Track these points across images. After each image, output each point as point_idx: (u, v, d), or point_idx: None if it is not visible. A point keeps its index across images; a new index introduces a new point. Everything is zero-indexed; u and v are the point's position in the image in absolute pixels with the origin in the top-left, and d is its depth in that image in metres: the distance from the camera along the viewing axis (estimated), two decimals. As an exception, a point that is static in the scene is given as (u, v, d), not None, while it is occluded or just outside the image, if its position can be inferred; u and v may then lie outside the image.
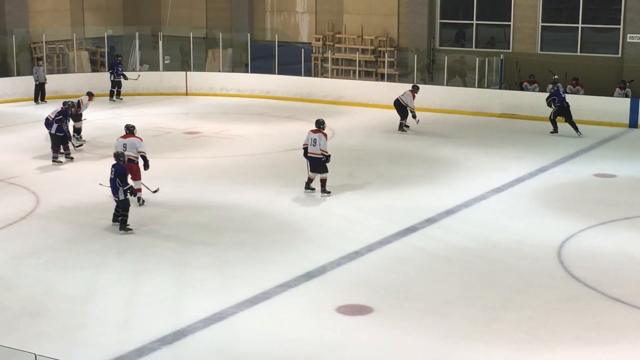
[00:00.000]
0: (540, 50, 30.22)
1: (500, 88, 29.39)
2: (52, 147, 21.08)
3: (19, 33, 32.13)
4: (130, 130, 17.70)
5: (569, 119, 24.88)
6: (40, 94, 29.69)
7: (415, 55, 30.65)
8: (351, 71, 32.35)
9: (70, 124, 21.98)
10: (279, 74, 32.05)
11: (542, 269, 14.18)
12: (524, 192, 18.89)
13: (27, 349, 7.63)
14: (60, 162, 21.02)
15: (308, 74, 32.71)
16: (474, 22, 31.45)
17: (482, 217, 17.12)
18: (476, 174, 20.52)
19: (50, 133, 21.03)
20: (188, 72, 32.59)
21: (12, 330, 11.65)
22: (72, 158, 21.37)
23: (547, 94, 25.75)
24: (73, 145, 21.80)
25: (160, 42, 33.22)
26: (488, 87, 29.49)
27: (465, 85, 30.42)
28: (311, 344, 11.39)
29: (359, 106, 29.67)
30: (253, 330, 11.74)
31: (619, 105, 26.79)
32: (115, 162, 15.97)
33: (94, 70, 33.45)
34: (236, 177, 19.90)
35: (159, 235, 15.79)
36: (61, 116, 20.97)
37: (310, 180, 18.44)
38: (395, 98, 25.66)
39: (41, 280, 13.56)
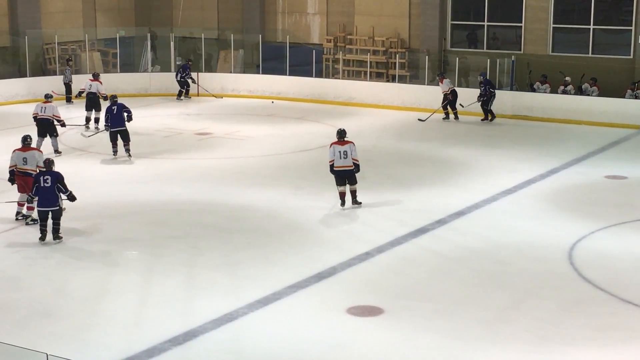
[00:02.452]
0: (552, 51, 30.15)
1: (511, 89, 29.36)
2: (125, 143, 21.76)
3: (31, 34, 32.26)
4: (29, 143, 16.67)
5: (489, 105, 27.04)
6: (70, 93, 30.18)
7: (427, 57, 30.62)
8: (362, 72, 32.33)
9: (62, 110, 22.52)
10: (290, 75, 32.09)
11: (552, 271, 14.16)
12: (535, 193, 18.87)
13: (38, 349, 7.67)
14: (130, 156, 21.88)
15: (319, 75, 32.74)
16: (485, 23, 31.41)
17: (492, 218, 17.11)
18: (487, 175, 20.51)
19: (123, 129, 21.67)
20: (199, 73, 32.64)
21: (23, 331, 11.69)
22: (60, 153, 21.87)
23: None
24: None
25: (172, 43, 33.30)
26: (499, 88, 29.43)
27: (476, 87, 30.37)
28: (322, 345, 11.40)
29: (370, 107, 29.66)
30: (263, 331, 11.77)
31: (630, 107, 26.73)
32: (44, 170, 15.25)
33: (105, 71, 33.50)
34: (247, 178, 19.92)
35: (170, 236, 15.82)
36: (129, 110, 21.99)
37: (343, 195, 17.53)
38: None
39: (52, 281, 13.62)
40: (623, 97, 27.39)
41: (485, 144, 24.07)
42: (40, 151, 17.07)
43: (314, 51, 32.36)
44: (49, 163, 15.42)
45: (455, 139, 24.75)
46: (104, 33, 35.67)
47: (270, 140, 24.36)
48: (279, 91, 31.58)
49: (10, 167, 16.47)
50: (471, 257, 14.80)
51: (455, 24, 32.14)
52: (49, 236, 15.22)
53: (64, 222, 15.41)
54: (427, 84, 30.23)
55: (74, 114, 26.83)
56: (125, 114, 21.69)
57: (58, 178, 15.13)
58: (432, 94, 28.71)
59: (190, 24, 36.39)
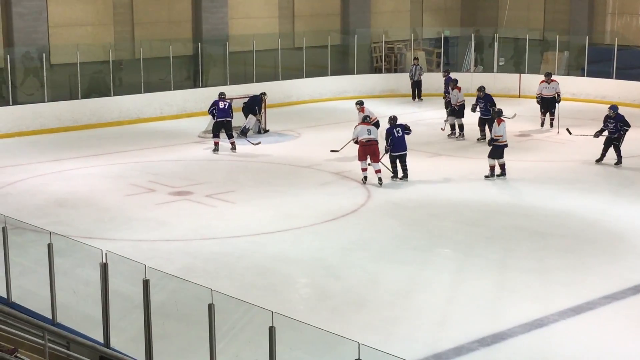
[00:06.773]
0: None
1: None
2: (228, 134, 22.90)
3: (361, 33, 33.48)
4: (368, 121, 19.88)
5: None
6: (417, 91, 31.27)
7: None
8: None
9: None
10: (616, 78, 30.87)
11: None
12: None
13: (350, 337, 7.95)
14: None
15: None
16: None
17: None
18: None
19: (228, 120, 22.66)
20: (522, 75, 32.26)
21: (338, 318, 12.17)
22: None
23: None
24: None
25: (496, 44, 33.18)
26: None
27: None
28: (634, 361, 10.96)
29: None
30: (573, 341, 11.47)
31: None
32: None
33: (429, 71, 34.03)
34: (566, 183, 19.41)
35: (483, 236, 15.81)
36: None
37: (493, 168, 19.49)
38: None
39: (367, 272, 14.04)
40: None
41: None
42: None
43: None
44: (392, 119, 19.57)
45: None
46: (429, 33, 36.28)
47: (590, 146, 23.50)
48: (604, 95, 30.50)
49: (352, 139, 19.73)
50: None
51: None
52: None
53: (387, 216, 15.77)
54: None
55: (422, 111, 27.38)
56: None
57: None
58: None
59: (515, 24, 36.06)
